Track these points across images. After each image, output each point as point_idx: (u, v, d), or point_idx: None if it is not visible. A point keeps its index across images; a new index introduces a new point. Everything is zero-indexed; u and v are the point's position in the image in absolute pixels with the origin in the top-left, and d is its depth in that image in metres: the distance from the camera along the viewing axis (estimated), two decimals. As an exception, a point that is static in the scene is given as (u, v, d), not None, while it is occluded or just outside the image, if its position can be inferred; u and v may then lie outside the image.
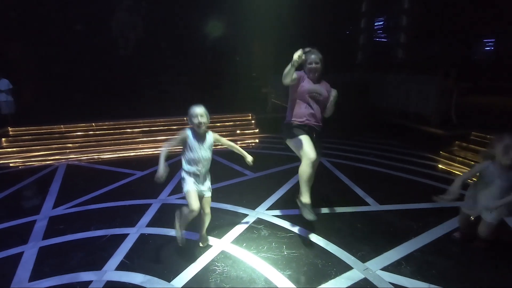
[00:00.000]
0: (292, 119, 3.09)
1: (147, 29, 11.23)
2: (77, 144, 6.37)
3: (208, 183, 2.65)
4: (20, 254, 2.73)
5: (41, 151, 6.11)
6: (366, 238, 2.94)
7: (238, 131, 7.28)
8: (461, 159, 5.09)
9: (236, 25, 11.08)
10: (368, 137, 7.07)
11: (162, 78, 11.43)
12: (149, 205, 3.68)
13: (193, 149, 2.51)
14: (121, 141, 6.62)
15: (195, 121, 2.47)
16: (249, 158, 2.76)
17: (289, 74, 2.86)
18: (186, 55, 11.45)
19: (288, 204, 3.64)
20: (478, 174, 2.64)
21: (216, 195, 3.76)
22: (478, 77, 8.83)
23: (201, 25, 11.31)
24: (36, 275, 2.45)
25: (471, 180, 3.00)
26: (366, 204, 3.67)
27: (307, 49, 2.92)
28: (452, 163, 5.14)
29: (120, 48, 11.43)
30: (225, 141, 2.73)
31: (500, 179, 2.47)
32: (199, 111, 2.47)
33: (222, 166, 4.98)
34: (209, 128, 2.62)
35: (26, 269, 2.53)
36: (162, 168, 2.38)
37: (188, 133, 2.52)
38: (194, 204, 2.45)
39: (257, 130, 7.43)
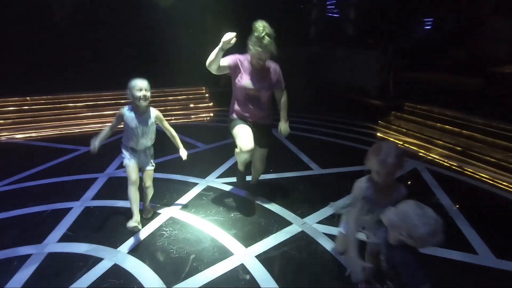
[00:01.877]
0: (232, 114, 2.83)
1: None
2: (9, 121, 5.77)
3: (149, 158, 2.62)
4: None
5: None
6: (306, 198, 3.22)
7: (191, 105, 7.16)
8: (395, 127, 5.65)
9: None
10: (316, 109, 7.44)
11: (107, 50, 10.55)
12: (95, 179, 3.57)
13: (130, 125, 2.43)
14: (63, 116, 6.13)
15: (137, 94, 2.34)
16: (183, 153, 2.65)
17: (215, 61, 2.46)
18: (134, 26, 10.64)
19: (234, 171, 3.79)
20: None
21: (167, 167, 3.80)
22: (414, 53, 9.59)
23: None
24: (-34, 253, 2.32)
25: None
26: (310, 169, 3.97)
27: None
28: (388, 131, 5.69)
29: (56, 15, 10.22)
30: (166, 125, 2.60)
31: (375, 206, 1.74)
32: (141, 84, 2.35)
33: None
34: (153, 103, 2.55)
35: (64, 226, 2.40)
36: (95, 142, 2.39)
37: (124, 111, 2.45)
38: (132, 176, 2.48)
39: (211, 104, 7.37)
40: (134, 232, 2.54)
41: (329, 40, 10.30)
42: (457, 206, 3.09)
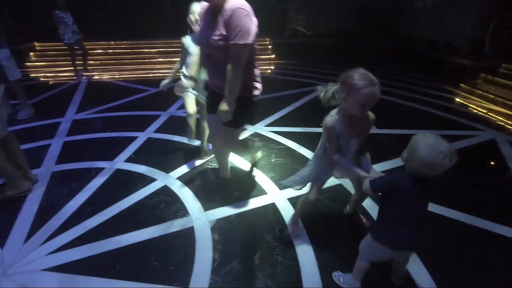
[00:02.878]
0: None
1: None
2: (98, 62, 6.64)
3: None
4: (48, 146, 3.22)
5: (65, 66, 6.47)
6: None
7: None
8: (481, 92, 4.80)
9: None
10: (393, 69, 6.70)
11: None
12: (158, 116, 4.00)
13: (188, 50, 2.49)
14: (139, 60, 6.78)
15: (192, 18, 2.30)
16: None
17: None
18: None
19: (285, 122, 3.80)
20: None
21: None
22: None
23: None
24: (60, 160, 2.94)
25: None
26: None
27: None
28: (470, 96, 4.89)
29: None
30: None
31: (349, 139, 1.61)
32: (193, 8, 2.29)
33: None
34: None
35: (53, 156, 3.01)
36: (164, 81, 2.61)
37: (184, 40, 2.55)
38: (190, 108, 2.65)
39: (273, 56, 7.23)
40: (185, 162, 2.85)
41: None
42: (536, 185, 2.63)
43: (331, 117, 1.57)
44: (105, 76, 6.13)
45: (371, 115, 1.60)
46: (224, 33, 1.65)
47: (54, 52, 6.77)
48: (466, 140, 3.45)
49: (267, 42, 7.53)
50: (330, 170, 1.83)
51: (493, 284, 1.74)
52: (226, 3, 1.65)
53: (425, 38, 7.21)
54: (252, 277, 1.75)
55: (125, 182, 2.61)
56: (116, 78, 6.03)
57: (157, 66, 6.70)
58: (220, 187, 2.56)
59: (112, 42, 6.98)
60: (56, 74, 6.21)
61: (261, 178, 2.70)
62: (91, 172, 2.75)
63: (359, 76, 1.39)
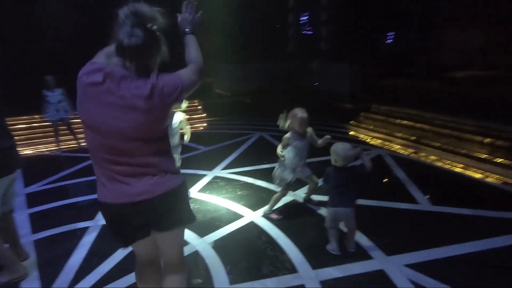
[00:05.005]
0: None
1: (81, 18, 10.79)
2: (23, 137, 6.34)
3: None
4: (14, 219, 3.19)
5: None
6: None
7: (187, 116, 7.94)
8: (365, 125, 6.68)
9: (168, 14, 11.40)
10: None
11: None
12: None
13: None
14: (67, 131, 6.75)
15: None
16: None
17: None
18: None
19: (236, 165, 4.62)
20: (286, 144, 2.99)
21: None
22: (379, 63, 10.91)
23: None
24: (36, 229, 3.00)
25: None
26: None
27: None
28: (358, 128, 6.71)
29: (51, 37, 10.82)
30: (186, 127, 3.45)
31: (300, 142, 2.92)
32: None
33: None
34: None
35: (25, 227, 3.05)
36: None
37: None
38: None
39: (205, 114, 8.21)
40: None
41: (305, 54, 11.49)
42: (409, 177, 4.05)
43: (286, 135, 2.98)
44: (40, 150, 5.93)
45: (309, 129, 2.98)
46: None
47: None
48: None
49: (197, 103, 8.53)
50: (291, 173, 2.93)
51: (404, 234, 2.80)
52: None
53: (322, 91, 9.43)
54: (259, 270, 2.37)
55: (117, 233, 2.89)
56: (53, 149, 5.91)
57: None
58: (204, 219, 3.11)
59: (36, 116, 6.78)
60: None
61: (234, 206, 3.36)
62: (77, 233, 2.93)
63: (296, 110, 2.90)
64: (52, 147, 6.07)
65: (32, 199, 3.68)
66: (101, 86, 1.24)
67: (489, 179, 4.07)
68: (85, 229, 2.97)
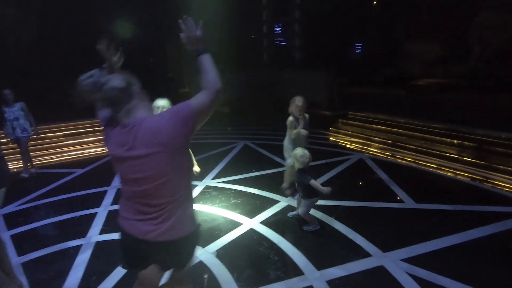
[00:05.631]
0: None
1: (43, 28, 10.31)
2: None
3: None
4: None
5: None
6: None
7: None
8: (343, 131, 7.00)
9: (148, 25, 11.24)
10: (275, 121, 8.62)
11: (68, 80, 10.70)
12: (105, 191, 4.12)
13: None
14: (44, 146, 6.38)
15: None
16: (197, 169, 2.78)
17: None
18: (94, 56, 10.99)
19: (226, 174, 4.63)
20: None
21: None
22: (351, 72, 11.54)
23: (109, 25, 11.03)
24: (21, 252, 2.81)
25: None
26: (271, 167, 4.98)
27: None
28: (337, 134, 7.01)
29: (10, 48, 10.20)
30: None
31: (300, 125, 3.53)
32: (161, 103, 2.55)
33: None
34: None
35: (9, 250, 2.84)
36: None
37: None
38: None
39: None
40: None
41: (280, 64, 11.83)
42: (390, 178, 4.31)
43: (289, 118, 3.56)
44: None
45: (306, 114, 3.61)
46: None
47: None
48: (347, 162, 5.12)
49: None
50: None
51: (395, 231, 2.98)
52: None
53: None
54: (266, 275, 2.41)
55: (113, 250, 2.79)
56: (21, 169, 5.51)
57: (66, 149, 6.45)
58: (202, 229, 3.09)
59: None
60: None
61: (230, 214, 3.38)
62: (70, 251, 2.78)
63: (296, 98, 3.49)
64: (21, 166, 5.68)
65: (10, 220, 3.43)
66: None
67: (459, 177, 4.44)
68: (77, 248, 2.83)
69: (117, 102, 1.33)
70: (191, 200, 1.47)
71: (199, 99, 1.33)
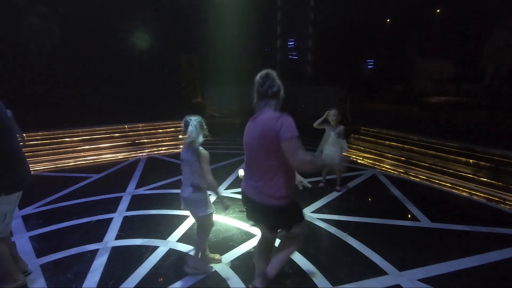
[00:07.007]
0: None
1: (65, 37, 10.73)
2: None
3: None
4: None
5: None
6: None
7: (180, 136, 7.95)
8: (355, 146, 6.98)
9: (164, 37, 11.59)
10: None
11: (86, 88, 11.04)
12: (120, 196, 4.19)
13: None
14: (60, 150, 6.54)
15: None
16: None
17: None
18: (112, 65, 11.33)
19: (237, 184, 4.64)
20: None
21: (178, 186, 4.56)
22: (364, 87, 11.57)
23: (127, 35, 11.41)
24: (39, 254, 2.87)
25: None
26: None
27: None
28: (350, 150, 7.00)
29: (34, 56, 10.63)
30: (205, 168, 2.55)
31: (332, 132, 4.46)
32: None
33: (177, 166, 5.71)
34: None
35: (27, 252, 2.90)
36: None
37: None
38: None
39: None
40: (177, 226, 3.28)
41: (293, 78, 11.96)
42: (404, 195, 4.27)
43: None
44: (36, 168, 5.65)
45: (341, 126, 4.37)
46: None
47: None
48: (360, 177, 5.10)
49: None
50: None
51: (411, 250, 2.94)
52: None
53: (308, 113, 9.78)
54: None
55: (129, 255, 2.83)
56: (44, 169, 5.67)
57: (81, 154, 6.60)
58: (216, 239, 3.11)
59: (23, 134, 6.52)
60: None
61: (244, 225, 3.39)
62: (87, 255, 2.83)
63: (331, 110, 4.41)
64: (42, 167, 5.82)
65: (29, 222, 3.52)
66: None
67: (475, 197, 4.37)
68: (94, 252, 2.88)
69: None
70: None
71: (291, 148, 1.89)
